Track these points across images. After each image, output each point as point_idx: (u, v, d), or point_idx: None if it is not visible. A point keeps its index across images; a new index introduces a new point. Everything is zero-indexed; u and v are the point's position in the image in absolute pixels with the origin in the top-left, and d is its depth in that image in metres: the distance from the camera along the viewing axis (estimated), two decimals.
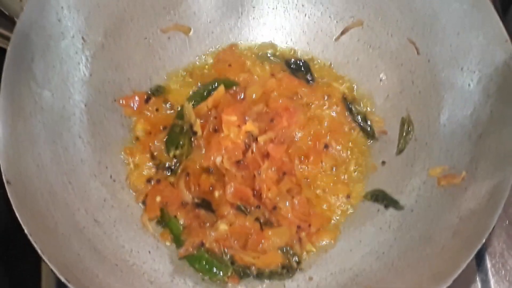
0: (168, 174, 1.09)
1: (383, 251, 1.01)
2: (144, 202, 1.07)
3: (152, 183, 1.09)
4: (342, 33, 1.20)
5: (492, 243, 1.09)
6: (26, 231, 0.85)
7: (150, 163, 1.11)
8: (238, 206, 1.05)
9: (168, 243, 1.05)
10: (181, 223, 1.06)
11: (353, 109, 1.15)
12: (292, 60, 1.21)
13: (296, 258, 1.04)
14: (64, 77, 1.04)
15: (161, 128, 1.12)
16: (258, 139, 1.07)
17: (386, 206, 1.06)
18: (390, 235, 1.03)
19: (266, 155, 1.07)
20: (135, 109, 1.13)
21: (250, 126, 1.08)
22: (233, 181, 1.05)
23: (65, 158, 1.01)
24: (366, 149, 1.14)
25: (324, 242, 1.06)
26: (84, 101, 1.07)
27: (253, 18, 1.23)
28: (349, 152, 1.13)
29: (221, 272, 1.01)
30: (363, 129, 1.14)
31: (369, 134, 1.14)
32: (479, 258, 1.08)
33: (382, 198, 1.07)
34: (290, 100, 1.15)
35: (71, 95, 1.05)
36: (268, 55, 1.22)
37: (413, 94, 1.11)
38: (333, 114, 1.15)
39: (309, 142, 1.12)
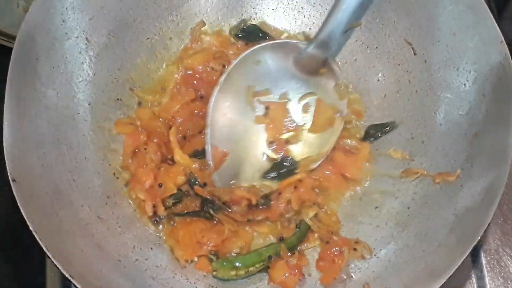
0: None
1: (380, 248, 1.03)
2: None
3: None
4: None
5: (487, 240, 1.10)
6: (31, 228, 0.86)
7: None
8: None
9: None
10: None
11: None
12: None
13: None
14: (68, 76, 1.05)
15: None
16: None
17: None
18: (387, 232, 1.04)
19: None
20: None
21: None
22: None
23: (69, 156, 1.02)
24: None
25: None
26: (88, 100, 1.08)
27: (253, 19, 1.24)
28: None
29: None
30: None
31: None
32: (474, 254, 1.09)
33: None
34: None
35: (75, 94, 1.06)
36: None
37: (409, 94, 1.12)
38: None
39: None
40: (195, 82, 1.16)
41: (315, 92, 1.11)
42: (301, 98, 1.11)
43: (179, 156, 1.07)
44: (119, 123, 1.11)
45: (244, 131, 1.10)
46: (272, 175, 1.10)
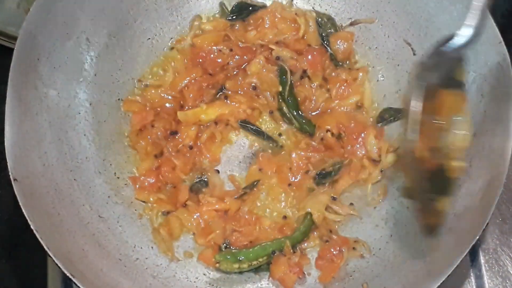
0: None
1: (379, 247, 1.03)
2: None
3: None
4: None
5: (485, 240, 1.10)
6: (32, 227, 0.87)
7: None
8: None
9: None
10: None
11: None
12: None
13: None
14: (70, 76, 1.06)
15: None
16: None
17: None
18: (386, 232, 1.04)
19: None
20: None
21: None
22: None
23: (70, 156, 1.03)
24: None
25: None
26: (89, 100, 1.09)
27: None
28: None
29: None
30: None
31: None
32: (473, 254, 1.09)
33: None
34: None
35: (76, 94, 1.07)
36: None
37: None
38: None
39: None
40: (200, 60, 1.16)
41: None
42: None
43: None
44: (127, 101, 1.13)
45: None
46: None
